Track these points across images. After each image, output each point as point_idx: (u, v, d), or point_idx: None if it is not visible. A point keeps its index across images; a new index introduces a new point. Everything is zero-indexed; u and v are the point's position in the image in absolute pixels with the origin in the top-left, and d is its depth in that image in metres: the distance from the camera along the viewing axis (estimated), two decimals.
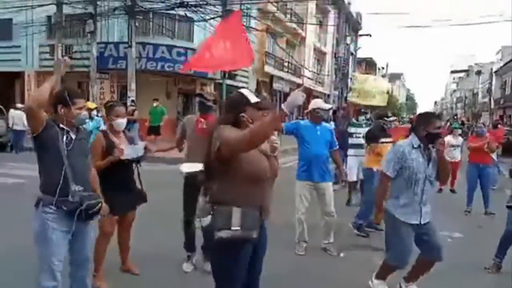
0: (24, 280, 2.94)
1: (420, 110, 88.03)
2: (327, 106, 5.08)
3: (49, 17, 17.11)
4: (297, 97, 2.07)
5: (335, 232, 4.89)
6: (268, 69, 23.25)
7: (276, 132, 2.58)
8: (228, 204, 2.27)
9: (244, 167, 2.28)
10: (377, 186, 3.74)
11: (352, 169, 6.98)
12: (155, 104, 14.21)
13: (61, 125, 2.77)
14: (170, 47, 16.72)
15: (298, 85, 28.22)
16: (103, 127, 7.00)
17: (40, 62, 18.42)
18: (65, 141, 2.75)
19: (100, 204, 2.84)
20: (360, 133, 7.18)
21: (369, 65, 50.91)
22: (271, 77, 24.30)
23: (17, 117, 13.06)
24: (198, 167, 2.73)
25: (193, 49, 16.65)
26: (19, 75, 19.14)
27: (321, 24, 30.99)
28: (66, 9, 16.00)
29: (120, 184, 3.58)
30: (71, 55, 16.83)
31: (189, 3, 15.36)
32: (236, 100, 2.46)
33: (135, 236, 4.02)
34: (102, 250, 3.65)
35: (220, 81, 15.37)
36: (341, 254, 4.74)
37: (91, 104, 8.17)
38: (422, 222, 3.40)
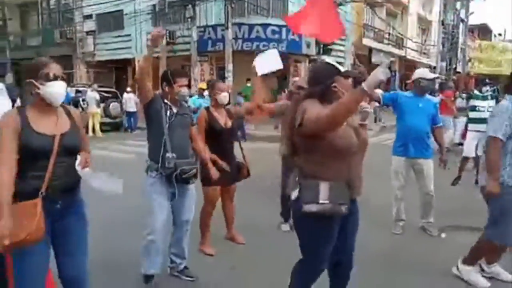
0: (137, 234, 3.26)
1: None
2: (432, 75, 4.62)
3: (154, 6, 18.34)
4: (377, 74, 1.97)
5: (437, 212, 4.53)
6: (366, 41, 22.17)
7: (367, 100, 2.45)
8: (315, 178, 2.23)
9: (329, 142, 2.20)
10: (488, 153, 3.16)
11: (470, 145, 6.47)
12: (248, 84, 14.50)
13: (165, 101, 3.13)
14: (265, 26, 16.83)
15: (400, 58, 26.54)
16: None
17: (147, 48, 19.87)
18: (168, 115, 3.11)
19: (194, 170, 3.17)
20: (484, 107, 6.56)
21: (483, 32, 45.55)
22: (370, 50, 23.13)
23: (129, 100, 14.42)
24: None
25: (287, 27, 16.52)
26: (130, 62, 20.94)
27: None
28: None
29: (221, 158, 3.81)
30: (174, 41, 17.94)
31: None
32: (323, 71, 2.37)
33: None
34: (207, 218, 3.93)
35: (315, 57, 15.10)
36: (442, 235, 4.41)
37: (202, 85, 8.80)
38: None
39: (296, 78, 11.78)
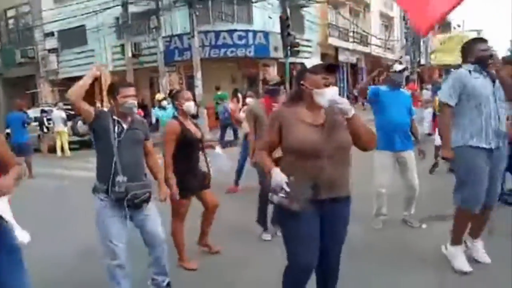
0: None
1: None
2: (400, 67, 4.72)
3: (117, 18, 18.02)
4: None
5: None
6: (332, 41, 22.48)
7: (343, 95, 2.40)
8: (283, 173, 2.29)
9: (286, 141, 2.32)
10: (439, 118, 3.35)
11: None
12: (219, 92, 14.44)
13: (113, 117, 2.92)
14: (231, 32, 16.83)
15: (366, 55, 27.06)
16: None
17: (113, 62, 19.53)
18: (117, 131, 2.88)
19: (148, 194, 2.95)
20: None
21: (442, 25, 47.10)
22: (336, 49, 23.47)
23: None
24: None
25: (253, 31, 16.60)
26: (96, 78, 20.44)
27: None
28: (131, 8, 16.72)
29: (187, 169, 3.66)
30: (140, 53, 17.68)
31: None
32: (298, 72, 2.47)
33: None
34: (179, 233, 3.75)
35: (283, 60, 15.18)
36: (423, 226, 4.43)
37: (159, 96, 8.51)
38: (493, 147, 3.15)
39: (267, 75, 11.80)
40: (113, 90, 2.97)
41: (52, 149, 13.31)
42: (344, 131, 2.29)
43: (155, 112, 8.23)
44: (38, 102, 21.20)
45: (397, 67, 4.60)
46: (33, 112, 15.45)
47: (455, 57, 8.60)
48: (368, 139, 2.34)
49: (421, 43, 31.10)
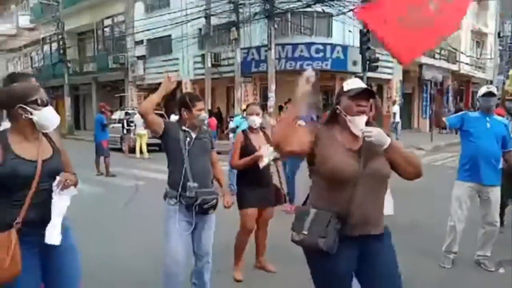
0: None
1: None
2: (484, 89, 4.07)
3: (199, 30, 18.85)
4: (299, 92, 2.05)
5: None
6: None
7: (365, 118, 2.10)
8: (310, 205, 2.11)
9: (319, 167, 2.07)
10: None
11: None
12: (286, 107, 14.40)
13: (183, 127, 3.05)
14: (308, 45, 16.74)
15: (453, 73, 25.34)
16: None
17: (194, 71, 20.43)
18: (187, 141, 3.01)
19: (215, 200, 3.03)
20: None
21: None
22: (420, 65, 22.27)
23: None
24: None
25: (332, 44, 16.36)
26: (178, 85, 21.53)
27: (479, 0, 27.16)
28: (213, 20, 17.38)
29: (256, 180, 3.73)
30: (219, 63, 18.31)
31: None
32: (337, 93, 2.21)
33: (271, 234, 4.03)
34: (242, 245, 3.80)
35: (361, 74, 14.75)
36: (500, 270, 3.93)
37: (244, 105, 9.14)
38: None
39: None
40: (187, 103, 3.07)
41: (132, 150, 14.15)
42: (382, 159, 2.06)
43: (237, 120, 8.57)
44: (124, 105, 22.85)
45: (482, 89, 4.13)
46: (118, 114, 16.70)
47: None
48: (410, 168, 2.07)
49: None
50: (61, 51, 24.68)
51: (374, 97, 2.16)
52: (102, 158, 10.23)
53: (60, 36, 24.57)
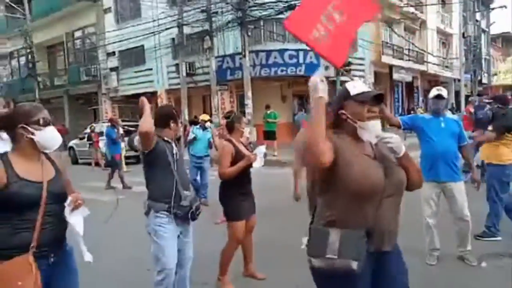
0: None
1: None
2: (435, 92, 4.19)
3: (172, 39, 18.78)
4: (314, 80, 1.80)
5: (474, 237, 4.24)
6: (386, 59, 21.93)
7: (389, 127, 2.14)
8: (326, 224, 1.84)
9: (345, 179, 1.80)
10: None
11: None
12: (269, 112, 14.49)
13: (166, 139, 3.09)
14: (282, 51, 16.93)
15: (422, 73, 26.10)
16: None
17: (168, 81, 20.32)
18: (174, 153, 3.09)
19: (201, 205, 3.18)
20: None
21: (506, 41, 44.59)
22: (390, 67, 22.87)
23: None
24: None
25: (304, 50, 16.59)
26: (153, 95, 21.36)
27: (444, 3, 28.17)
28: (186, 30, 17.35)
29: (243, 190, 3.78)
30: (194, 72, 18.27)
31: (297, 5, 15.31)
32: (337, 96, 2.01)
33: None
34: (230, 255, 3.80)
35: (334, 78, 15.01)
36: (483, 264, 4.09)
37: (205, 116, 8.57)
38: None
39: None
40: (175, 115, 3.18)
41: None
42: (399, 168, 1.94)
43: (194, 130, 8.08)
44: (99, 118, 22.47)
45: (433, 91, 4.23)
46: (99, 128, 16.53)
47: None
48: (417, 178, 2.00)
49: (483, 61, 29.56)
50: (30, 65, 24.10)
51: (383, 102, 2.06)
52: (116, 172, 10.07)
53: (28, 50, 24.00)
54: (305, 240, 1.90)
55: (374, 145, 1.94)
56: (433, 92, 4.20)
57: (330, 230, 1.81)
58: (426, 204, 4.18)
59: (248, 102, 15.54)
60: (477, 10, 32.27)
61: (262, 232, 4.54)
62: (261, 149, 3.99)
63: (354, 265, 1.74)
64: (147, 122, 2.92)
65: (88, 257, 2.13)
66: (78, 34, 24.63)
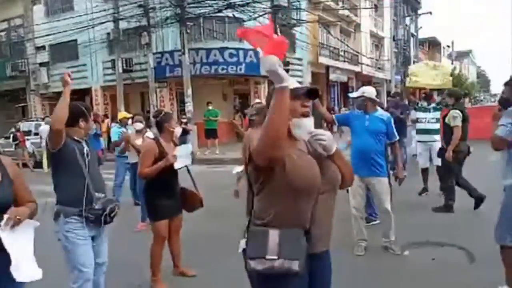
0: None
1: (494, 86, 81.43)
2: (354, 94, 4.69)
3: (108, 34, 18.06)
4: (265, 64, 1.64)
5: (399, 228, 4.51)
6: (322, 60, 22.69)
7: (324, 125, 2.14)
8: (264, 225, 1.76)
9: (281, 175, 1.73)
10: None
11: (423, 156, 6.82)
12: (210, 108, 14.44)
13: (76, 138, 2.88)
14: (222, 50, 16.92)
15: (356, 74, 27.32)
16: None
17: (104, 77, 19.52)
18: (85, 153, 2.89)
19: (117, 207, 2.96)
20: (425, 118, 6.85)
21: (432, 45, 47.92)
22: (327, 68, 23.69)
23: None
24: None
25: (244, 49, 16.72)
26: (87, 92, 20.41)
27: (376, 7, 29.67)
28: (122, 24, 16.76)
29: (168, 190, 3.73)
30: (131, 68, 17.70)
31: (237, 3, 15.38)
32: (269, 94, 1.88)
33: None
34: (158, 255, 3.76)
35: None
36: (405, 253, 4.38)
37: (125, 114, 8.24)
38: None
39: (257, 100, 11.78)
40: (85, 113, 2.95)
41: (39, 165, 13.29)
42: (333, 165, 1.87)
43: (114, 130, 7.61)
44: (27, 115, 21.07)
45: (352, 94, 4.62)
46: (27, 126, 15.50)
47: (428, 81, 8.88)
48: (348, 177, 1.95)
49: (412, 63, 31.55)
50: None
51: (318, 97, 1.98)
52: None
53: None
54: (242, 242, 1.83)
55: (307, 141, 1.88)
56: (353, 93, 4.63)
57: (269, 230, 1.73)
58: (353, 197, 4.41)
59: (188, 100, 15.36)
60: (406, 15, 34.35)
61: (211, 229, 4.53)
62: (184, 149, 3.93)
63: (295, 265, 1.69)
64: (59, 114, 2.67)
65: (32, 274, 1.91)
66: (3, 25, 22.90)
